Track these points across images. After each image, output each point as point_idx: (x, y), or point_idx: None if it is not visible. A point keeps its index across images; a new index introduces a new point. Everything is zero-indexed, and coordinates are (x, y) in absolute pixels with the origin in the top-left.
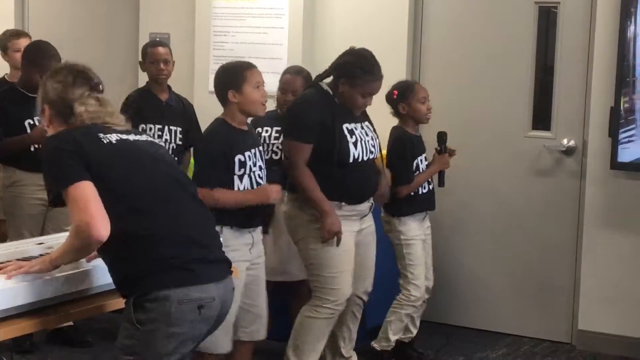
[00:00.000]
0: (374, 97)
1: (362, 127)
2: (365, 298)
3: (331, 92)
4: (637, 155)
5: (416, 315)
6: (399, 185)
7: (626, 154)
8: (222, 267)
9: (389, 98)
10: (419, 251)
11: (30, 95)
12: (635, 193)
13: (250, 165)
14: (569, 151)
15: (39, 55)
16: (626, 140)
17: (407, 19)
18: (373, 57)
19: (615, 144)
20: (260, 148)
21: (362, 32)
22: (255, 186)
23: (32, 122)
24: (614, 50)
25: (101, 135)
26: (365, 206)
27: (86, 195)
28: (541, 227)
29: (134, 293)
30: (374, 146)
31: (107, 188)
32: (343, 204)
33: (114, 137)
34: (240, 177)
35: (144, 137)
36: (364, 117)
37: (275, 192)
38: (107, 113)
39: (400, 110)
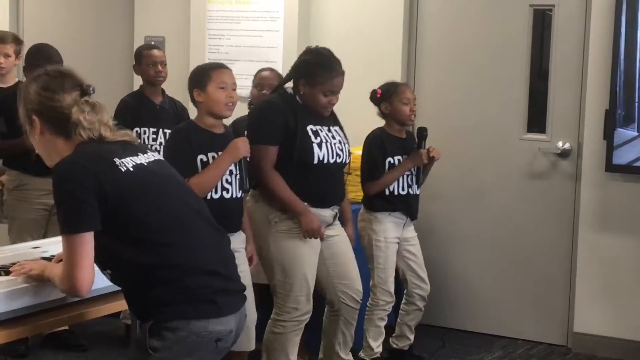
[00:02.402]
0: (361, 101)
1: (330, 130)
2: (355, 306)
3: (295, 96)
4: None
5: (412, 323)
6: (366, 182)
7: None
8: (241, 296)
9: (373, 97)
10: (389, 255)
11: None
12: (630, 195)
13: None
14: (564, 154)
15: (39, 58)
16: None
17: (402, 22)
18: (331, 53)
19: (610, 146)
20: None
21: (357, 36)
22: (219, 191)
23: None
24: (608, 53)
25: (117, 160)
26: (328, 214)
27: (83, 250)
28: (536, 230)
29: (152, 319)
30: (341, 150)
31: (128, 221)
32: (305, 204)
33: (129, 163)
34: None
35: (151, 157)
36: (334, 122)
37: (242, 143)
38: (101, 122)
39: (382, 110)
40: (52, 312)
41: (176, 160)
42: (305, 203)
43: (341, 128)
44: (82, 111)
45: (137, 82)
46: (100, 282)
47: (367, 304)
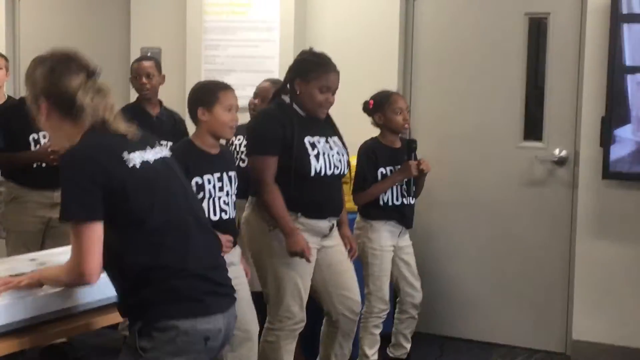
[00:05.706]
0: (357, 109)
1: (327, 141)
2: (354, 317)
3: (293, 104)
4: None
5: (407, 332)
6: (355, 192)
7: None
8: (230, 298)
9: (366, 108)
10: (384, 263)
11: None
12: (627, 202)
13: (209, 190)
14: (560, 161)
15: None
16: None
17: (397, 31)
18: (324, 54)
19: (606, 153)
20: (233, 173)
21: (353, 45)
22: (218, 212)
23: (36, 137)
24: (604, 60)
25: (125, 156)
26: (325, 225)
27: (92, 239)
28: (534, 237)
29: (141, 320)
30: (340, 161)
31: (127, 218)
32: (299, 214)
33: (137, 160)
34: (200, 201)
35: (159, 153)
36: (333, 132)
37: (225, 242)
38: (105, 107)
39: (377, 120)
40: (50, 324)
41: None
42: (299, 214)
43: (340, 138)
44: (87, 95)
45: (134, 93)
46: (99, 294)
47: (362, 311)
